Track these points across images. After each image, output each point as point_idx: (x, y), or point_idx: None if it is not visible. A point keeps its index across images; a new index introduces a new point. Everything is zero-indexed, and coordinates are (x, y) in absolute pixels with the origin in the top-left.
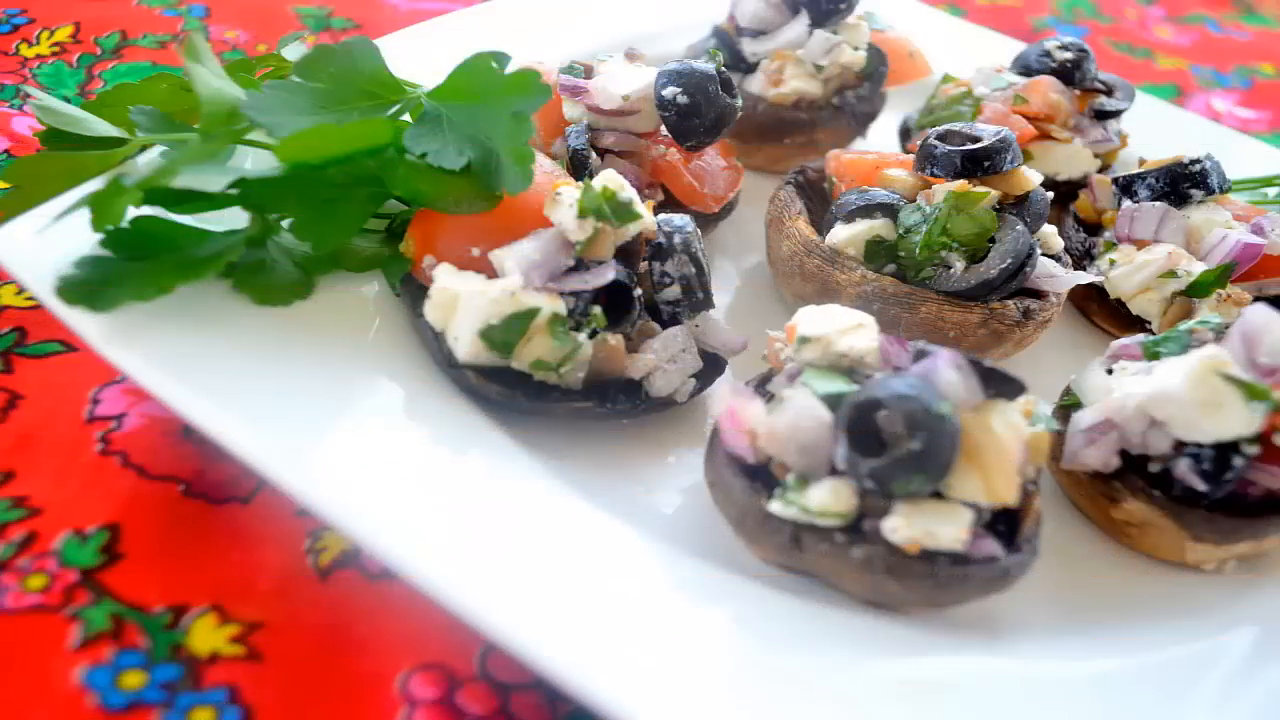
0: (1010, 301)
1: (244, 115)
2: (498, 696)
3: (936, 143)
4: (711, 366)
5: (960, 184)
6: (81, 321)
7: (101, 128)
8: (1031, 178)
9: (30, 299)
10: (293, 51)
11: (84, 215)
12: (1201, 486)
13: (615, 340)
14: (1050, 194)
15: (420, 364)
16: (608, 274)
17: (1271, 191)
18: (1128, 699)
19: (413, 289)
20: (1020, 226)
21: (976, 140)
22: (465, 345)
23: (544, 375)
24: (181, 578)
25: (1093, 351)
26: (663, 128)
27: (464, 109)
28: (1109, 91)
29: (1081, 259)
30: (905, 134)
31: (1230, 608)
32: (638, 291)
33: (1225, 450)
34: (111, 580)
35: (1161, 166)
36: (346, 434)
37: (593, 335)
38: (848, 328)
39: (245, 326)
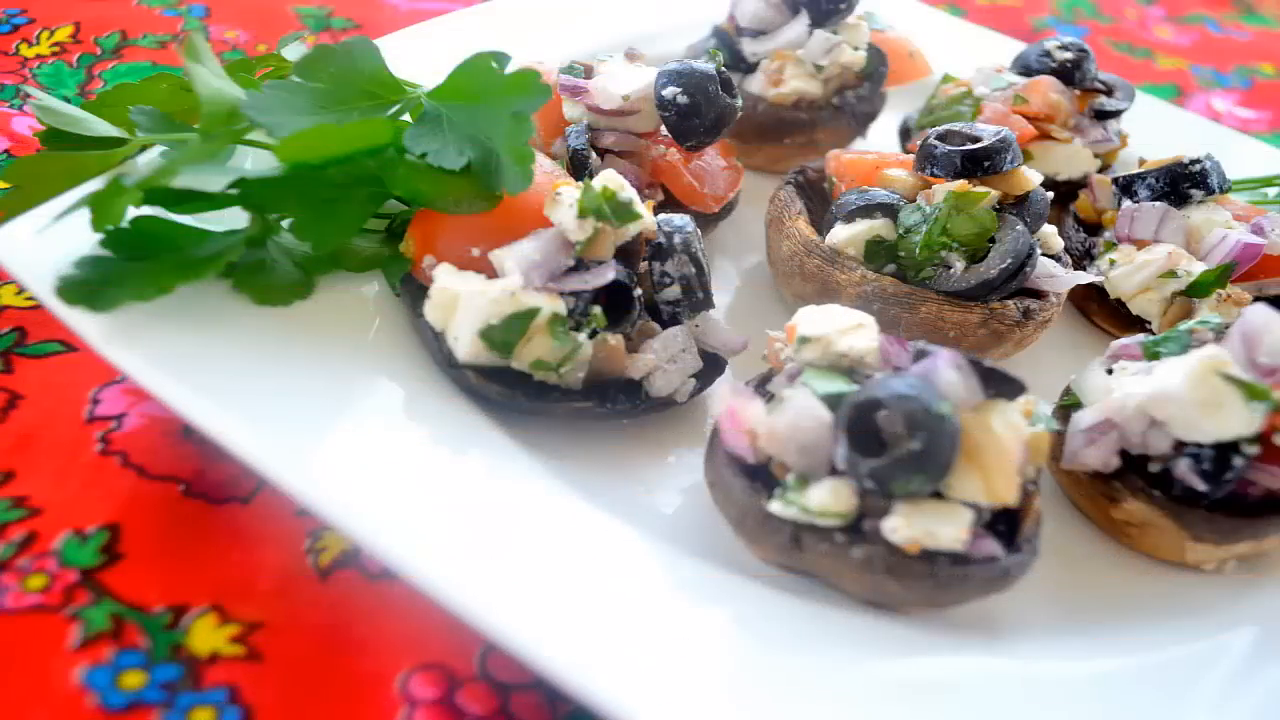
0: (1010, 301)
1: (244, 115)
2: (498, 696)
3: (936, 143)
4: (711, 366)
5: (960, 184)
6: (81, 321)
7: (101, 128)
8: (1031, 178)
9: (30, 299)
10: (293, 51)
11: (84, 215)
12: (1201, 486)
13: (615, 340)
14: (1050, 194)
15: (420, 364)
16: (608, 274)
17: (1271, 191)
18: (1128, 699)
19: (413, 289)
20: (1020, 226)
21: (976, 140)
22: (465, 345)
23: (544, 375)
24: (181, 578)
25: (1093, 351)
26: (663, 128)
27: (464, 109)
28: (1109, 91)
29: (1081, 259)
30: (905, 134)
31: (1230, 608)
32: (638, 291)
33: (1225, 450)
34: (111, 580)
35: (1161, 166)
36: (346, 434)
37: (593, 335)
38: (848, 328)
39: (245, 326)
